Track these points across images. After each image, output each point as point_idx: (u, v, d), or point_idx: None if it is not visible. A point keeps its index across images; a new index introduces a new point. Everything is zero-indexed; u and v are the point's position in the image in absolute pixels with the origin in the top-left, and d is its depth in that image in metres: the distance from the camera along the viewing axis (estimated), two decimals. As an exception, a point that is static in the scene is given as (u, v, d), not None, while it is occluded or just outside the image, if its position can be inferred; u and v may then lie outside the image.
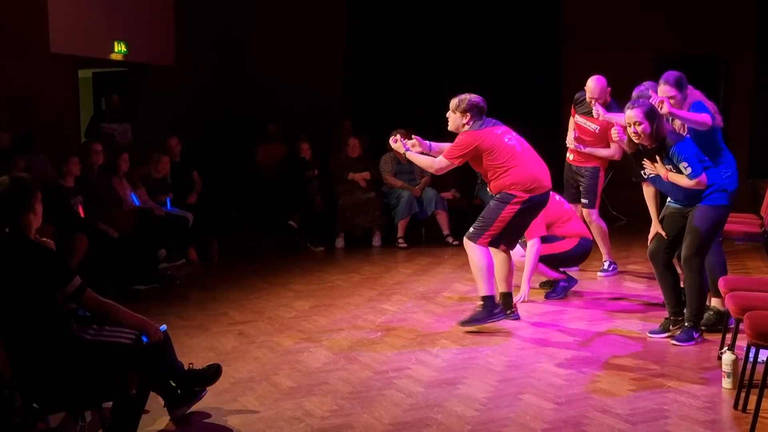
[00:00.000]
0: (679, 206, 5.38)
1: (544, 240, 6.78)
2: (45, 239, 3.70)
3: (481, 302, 5.83)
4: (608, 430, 3.98)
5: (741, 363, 4.38)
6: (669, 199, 5.46)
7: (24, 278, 3.47)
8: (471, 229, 5.86)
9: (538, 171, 5.83)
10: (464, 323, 5.84)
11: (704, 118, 5.32)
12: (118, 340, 3.67)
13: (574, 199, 7.55)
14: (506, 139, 5.83)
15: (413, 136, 6.03)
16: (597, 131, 7.26)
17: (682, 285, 5.63)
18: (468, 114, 5.80)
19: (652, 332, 5.54)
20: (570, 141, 7.43)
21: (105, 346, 3.62)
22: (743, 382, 4.23)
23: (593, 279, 7.49)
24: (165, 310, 6.66)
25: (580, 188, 7.54)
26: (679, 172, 5.17)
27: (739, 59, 11.32)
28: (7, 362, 3.43)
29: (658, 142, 5.20)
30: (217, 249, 9.04)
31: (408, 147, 5.91)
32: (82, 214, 7.33)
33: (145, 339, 3.77)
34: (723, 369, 4.52)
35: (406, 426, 4.09)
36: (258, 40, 12.19)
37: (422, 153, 6.00)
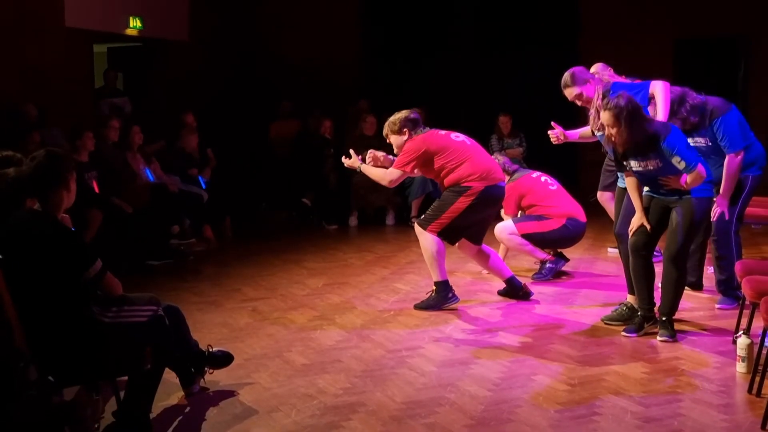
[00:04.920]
0: (660, 198, 5.04)
1: (534, 218, 6.75)
2: (62, 215, 3.70)
3: (434, 288, 5.87)
4: (621, 412, 3.97)
5: (756, 347, 4.35)
6: (646, 188, 5.12)
7: (48, 257, 3.47)
8: (423, 216, 5.92)
9: (490, 163, 5.88)
10: (418, 306, 5.89)
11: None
12: (135, 319, 3.68)
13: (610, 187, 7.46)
14: (453, 136, 5.88)
15: (381, 154, 6.09)
16: None
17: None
18: (405, 130, 5.85)
19: (627, 331, 5.17)
20: None
21: (122, 327, 3.63)
22: (758, 367, 4.20)
23: (606, 259, 7.45)
24: (179, 286, 6.69)
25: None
26: (666, 170, 4.83)
27: (759, 41, 11.17)
28: (23, 336, 3.45)
29: (643, 140, 4.82)
30: (230, 225, 9.06)
31: (362, 161, 6.00)
32: (96, 190, 7.34)
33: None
34: (738, 353, 4.49)
35: (418, 405, 4.09)
36: (273, 16, 12.13)
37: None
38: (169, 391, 4.24)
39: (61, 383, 3.61)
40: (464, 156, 5.75)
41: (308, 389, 4.32)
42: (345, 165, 6.11)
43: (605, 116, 4.83)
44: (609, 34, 11.22)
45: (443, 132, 5.89)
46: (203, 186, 8.71)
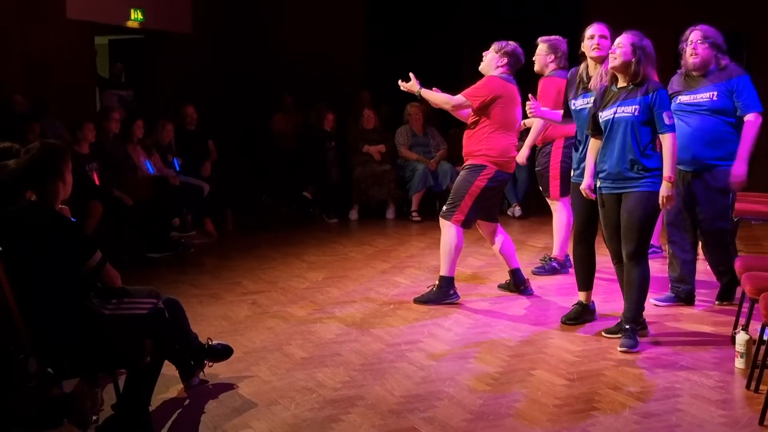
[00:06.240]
0: (611, 192, 4.87)
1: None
2: (61, 206, 3.70)
3: (437, 282, 5.87)
4: (620, 407, 3.98)
5: (755, 343, 4.36)
6: (600, 184, 4.92)
7: (47, 248, 3.47)
8: (444, 207, 5.88)
9: (512, 150, 5.87)
10: (418, 300, 5.89)
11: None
12: (135, 311, 3.69)
13: None
14: (518, 108, 5.88)
15: (433, 88, 5.98)
16: None
17: None
18: (506, 59, 5.79)
19: (608, 331, 5.06)
20: None
21: (122, 319, 3.64)
22: (756, 363, 4.21)
23: (606, 255, 7.42)
24: (179, 279, 6.69)
25: None
26: (636, 123, 4.74)
27: (761, 33, 11.15)
28: (23, 328, 3.45)
29: (636, 81, 4.82)
30: (231, 218, 9.07)
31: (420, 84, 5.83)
32: (97, 182, 7.34)
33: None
34: (736, 349, 4.50)
35: (417, 398, 4.10)
36: (277, 8, 12.11)
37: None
38: (169, 383, 4.25)
39: (61, 375, 3.62)
40: (505, 129, 5.75)
41: (307, 382, 4.33)
42: (402, 88, 5.90)
43: (624, 37, 4.94)
44: (612, 26, 11.17)
45: (518, 97, 5.85)
46: (177, 168, 8.63)
